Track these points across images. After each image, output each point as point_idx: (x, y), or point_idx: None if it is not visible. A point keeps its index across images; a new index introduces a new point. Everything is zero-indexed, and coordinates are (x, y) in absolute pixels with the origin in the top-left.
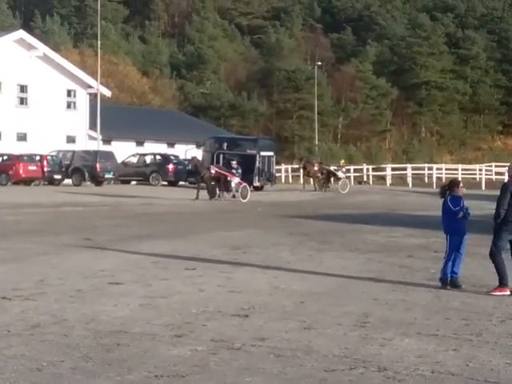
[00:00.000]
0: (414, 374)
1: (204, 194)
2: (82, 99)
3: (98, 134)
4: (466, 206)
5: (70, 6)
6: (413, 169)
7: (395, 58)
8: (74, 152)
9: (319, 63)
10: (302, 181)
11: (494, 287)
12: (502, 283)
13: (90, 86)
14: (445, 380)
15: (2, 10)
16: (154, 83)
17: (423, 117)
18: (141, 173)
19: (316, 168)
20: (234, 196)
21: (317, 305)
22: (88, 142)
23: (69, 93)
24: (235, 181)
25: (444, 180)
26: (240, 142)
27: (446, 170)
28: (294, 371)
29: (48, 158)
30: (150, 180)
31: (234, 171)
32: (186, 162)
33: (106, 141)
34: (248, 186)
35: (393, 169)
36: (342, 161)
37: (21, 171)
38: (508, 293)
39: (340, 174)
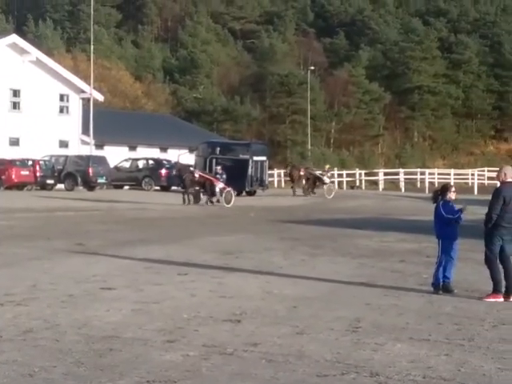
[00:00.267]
0: (406, 379)
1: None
2: (75, 104)
3: (90, 139)
4: (458, 210)
5: (63, 11)
6: (405, 173)
7: (388, 62)
8: (66, 157)
9: (312, 68)
10: (291, 186)
11: (487, 293)
12: (496, 289)
13: (83, 91)
14: None
15: None
16: (146, 88)
17: (416, 121)
18: (133, 178)
19: (302, 173)
20: (218, 201)
21: (309, 310)
22: (81, 146)
23: (61, 97)
24: (219, 185)
25: (436, 185)
26: (233, 146)
27: (439, 174)
28: (286, 376)
29: (41, 162)
30: (143, 185)
31: (218, 176)
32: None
33: (99, 145)
34: (232, 191)
35: (385, 173)
36: (328, 165)
37: (13, 176)
38: (501, 299)
39: (325, 179)
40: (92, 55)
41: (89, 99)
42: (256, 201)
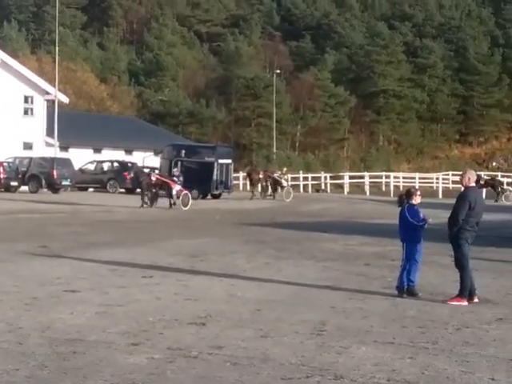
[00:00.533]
0: (371, 382)
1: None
2: (40, 106)
3: (55, 141)
4: (424, 216)
5: (28, 12)
6: (370, 177)
7: (353, 66)
8: (30, 159)
9: (278, 71)
10: (251, 189)
11: (452, 296)
12: (463, 294)
13: (48, 93)
14: None
15: None
16: (112, 90)
17: (381, 125)
18: (98, 180)
19: (261, 176)
20: (174, 203)
21: (273, 313)
22: (45, 148)
23: (26, 99)
24: (176, 188)
25: (401, 188)
26: (198, 149)
27: (404, 178)
28: (250, 379)
29: (4, 164)
30: (108, 187)
31: (175, 178)
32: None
33: (64, 148)
34: (189, 194)
35: (350, 177)
36: (285, 169)
37: None
38: (465, 303)
39: (283, 183)
40: (57, 57)
41: (53, 101)
42: (221, 204)
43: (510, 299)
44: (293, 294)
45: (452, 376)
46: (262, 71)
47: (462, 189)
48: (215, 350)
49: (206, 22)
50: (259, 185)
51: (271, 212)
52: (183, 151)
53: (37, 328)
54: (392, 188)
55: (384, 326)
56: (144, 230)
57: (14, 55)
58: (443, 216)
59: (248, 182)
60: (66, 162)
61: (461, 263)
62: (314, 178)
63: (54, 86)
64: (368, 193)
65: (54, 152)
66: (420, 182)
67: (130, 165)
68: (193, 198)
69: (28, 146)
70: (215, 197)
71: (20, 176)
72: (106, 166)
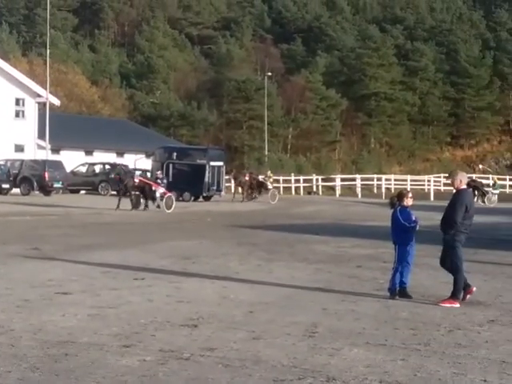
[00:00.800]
0: None
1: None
2: (31, 108)
3: (46, 143)
4: (415, 218)
5: (19, 15)
6: (362, 179)
7: (345, 68)
8: (22, 161)
9: (269, 74)
10: (232, 190)
11: (444, 298)
12: (455, 296)
13: (39, 95)
14: None
15: None
16: (103, 92)
17: (372, 128)
18: (90, 182)
19: (246, 178)
20: (158, 206)
21: (265, 315)
22: (37, 151)
23: (17, 101)
24: (160, 190)
25: (393, 191)
26: (190, 151)
27: (395, 180)
28: (242, 381)
29: None
30: (99, 189)
31: (159, 181)
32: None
33: (55, 150)
34: (173, 197)
35: (342, 179)
36: (269, 171)
37: None
38: (457, 305)
39: (268, 185)
40: (48, 59)
41: (45, 103)
42: (213, 206)
43: (502, 301)
44: (285, 296)
45: (444, 378)
46: (253, 74)
47: (454, 191)
48: (207, 351)
49: (197, 24)
50: (244, 187)
51: (263, 214)
52: (175, 154)
53: (28, 330)
54: (384, 190)
55: (376, 327)
56: (136, 233)
57: (5, 58)
58: (435, 218)
59: (233, 185)
60: (58, 165)
61: (455, 266)
62: (305, 181)
63: (46, 89)
64: (360, 195)
65: (46, 154)
66: (411, 185)
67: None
68: (185, 200)
69: (19, 149)
70: (206, 199)
71: (12, 178)
72: (97, 169)
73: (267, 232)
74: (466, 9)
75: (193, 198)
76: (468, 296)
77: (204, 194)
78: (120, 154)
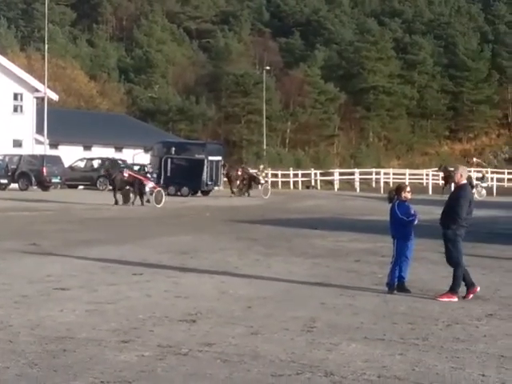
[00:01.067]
0: (361, 379)
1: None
2: (29, 103)
3: (44, 138)
4: (414, 212)
5: (17, 9)
6: (360, 173)
7: (343, 62)
8: (20, 156)
9: (268, 68)
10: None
11: (442, 292)
12: (454, 290)
13: (37, 90)
14: None
15: None
16: (101, 87)
17: (371, 121)
18: (88, 177)
19: (239, 173)
20: (148, 201)
21: (264, 309)
22: (35, 146)
23: (15, 96)
24: (149, 185)
25: (391, 185)
26: (188, 146)
27: (394, 174)
28: (240, 376)
29: None
30: (98, 185)
31: (148, 175)
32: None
33: (53, 145)
34: (163, 191)
35: (340, 173)
36: (262, 166)
37: None
38: (456, 299)
39: (261, 180)
40: (46, 54)
41: (43, 98)
42: (211, 201)
43: (500, 295)
44: (283, 291)
45: (442, 372)
46: (251, 68)
47: (453, 186)
48: (205, 347)
49: (195, 18)
50: (234, 182)
51: (261, 209)
52: (173, 148)
53: (26, 326)
54: (382, 184)
55: (374, 322)
56: (134, 228)
57: (3, 52)
58: (434, 212)
59: (227, 180)
60: (56, 160)
61: (455, 260)
62: (304, 175)
63: (44, 84)
64: (358, 189)
65: (44, 149)
66: (410, 179)
67: (120, 162)
68: (183, 195)
69: (18, 144)
70: (205, 194)
71: (10, 173)
72: (95, 164)
73: (266, 226)
74: (465, 2)
75: (191, 193)
76: (471, 295)
77: (202, 189)
78: (118, 148)
